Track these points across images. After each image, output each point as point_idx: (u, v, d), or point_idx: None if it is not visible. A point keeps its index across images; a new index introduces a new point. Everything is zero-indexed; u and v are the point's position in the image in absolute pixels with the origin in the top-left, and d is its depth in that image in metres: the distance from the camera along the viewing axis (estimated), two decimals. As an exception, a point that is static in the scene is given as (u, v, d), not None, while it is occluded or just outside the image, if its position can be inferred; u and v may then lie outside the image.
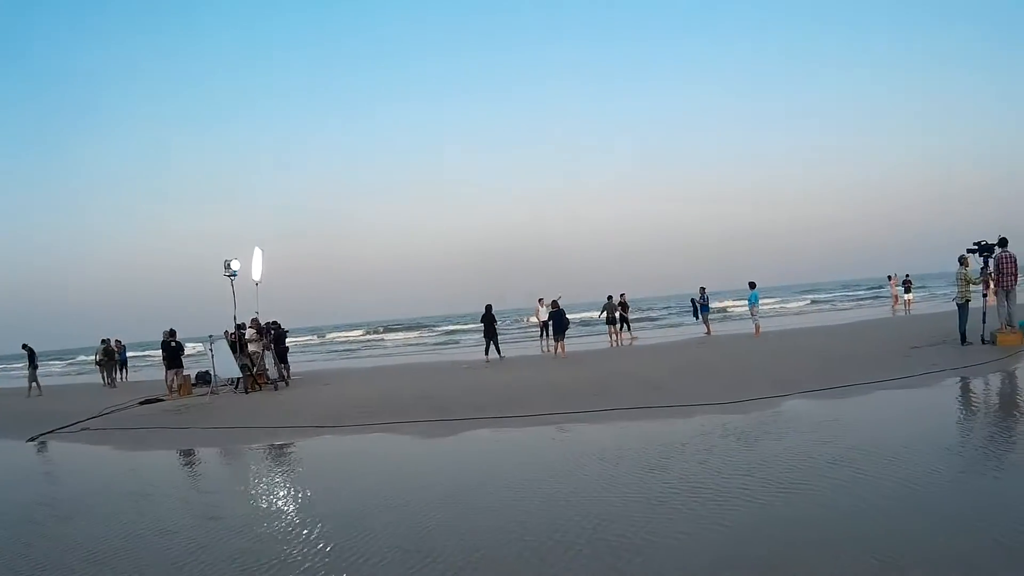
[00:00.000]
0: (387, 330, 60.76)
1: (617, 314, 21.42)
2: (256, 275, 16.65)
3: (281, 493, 6.34)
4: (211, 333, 15.77)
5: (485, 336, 19.37)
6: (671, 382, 11.19)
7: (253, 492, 6.50)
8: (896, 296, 25.26)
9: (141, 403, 13.97)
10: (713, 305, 24.69)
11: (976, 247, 11.99)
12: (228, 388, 15.37)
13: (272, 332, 15.90)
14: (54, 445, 10.33)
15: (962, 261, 12.20)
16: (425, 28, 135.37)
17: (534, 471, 6.24)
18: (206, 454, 8.93)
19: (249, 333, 15.81)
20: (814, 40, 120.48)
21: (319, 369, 21.95)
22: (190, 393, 15.31)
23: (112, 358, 21.21)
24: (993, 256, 11.80)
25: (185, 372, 16.09)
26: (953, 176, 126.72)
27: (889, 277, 26.05)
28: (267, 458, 8.31)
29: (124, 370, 21.99)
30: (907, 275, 24.93)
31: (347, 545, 4.51)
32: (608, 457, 6.48)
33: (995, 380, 9.02)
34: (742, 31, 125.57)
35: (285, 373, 16.08)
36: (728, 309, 42.46)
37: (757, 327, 19.90)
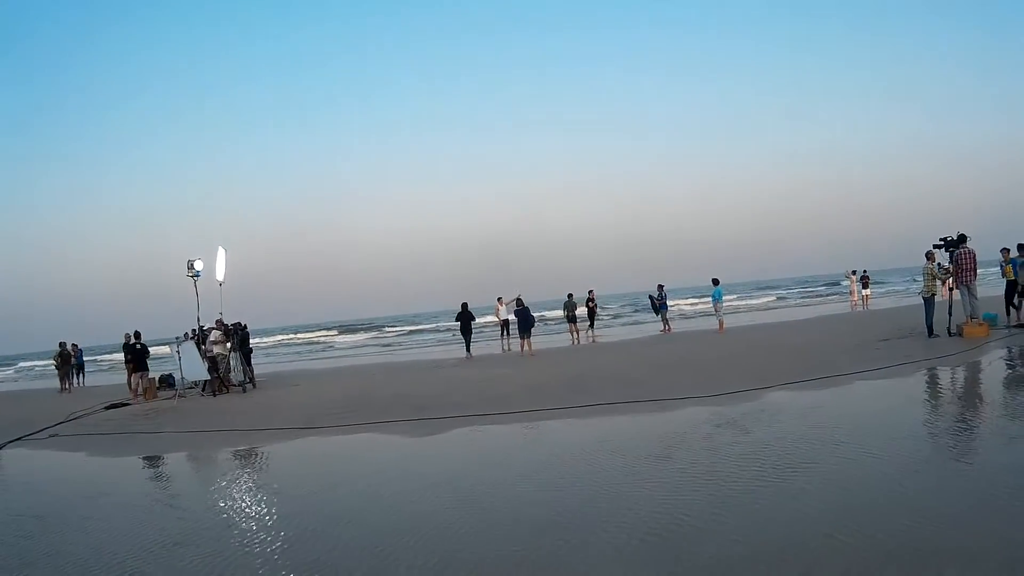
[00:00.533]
0: (343, 331, 59.72)
1: (577, 312, 21.61)
2: (220, 275, 16.23)
3: (277, 498, 6.14)
4: (176, 335, 15.27)
5: (463, 333, 19.57)
6: (648, 378, 11.32)
7: (253, 498, 6.24)
8: (854, 292, 26.05)
9: (107, 407, 13.43)
10: (670, 303, 25.00)
11: (942, 242, 12.45)
12: (194, 391, 14.90)
13: (239, 333, 15.45)
14: (24, 453, 9.77)
15: (929, 256, 12.69)
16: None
17: (545, 466, 6.20)
18: (188, 459, 8.62)
19: (214, 335, 15.36)
20: (768, 31, 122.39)
21: (281, 371, 21.45)
22: (155, 397, 14.78)
23: (67, 362, 20.31)
24: (953, 253, 12.25)
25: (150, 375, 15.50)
26: (909, 174, 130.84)
27: (849, 274, 26.79)
28: (253, 462, 8.05)
29: (81, 374, 21.08)
30: (864, 271, 25.79)
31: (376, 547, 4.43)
32: (617, 450, 6.54)
33: (969, 370, 9.41)
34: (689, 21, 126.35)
35: (251, 375, 15.66)
36: (684, 308, 43.21)
37: (721, 323, 20.21)
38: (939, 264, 12.64)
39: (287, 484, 6.61)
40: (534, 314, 19.81)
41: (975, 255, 12.24)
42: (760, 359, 12.25)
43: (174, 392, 14.98)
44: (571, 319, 21.59)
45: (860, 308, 24.56)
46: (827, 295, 45.87)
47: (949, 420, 6.55)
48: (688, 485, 5.09)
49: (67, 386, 19.79)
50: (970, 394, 8.09)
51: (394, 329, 55.31)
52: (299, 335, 59.41)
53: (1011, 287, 12.76)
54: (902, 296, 32.84)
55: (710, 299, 23.12)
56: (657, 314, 22.43)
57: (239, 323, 15.36)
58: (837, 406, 7.70)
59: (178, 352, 14.11)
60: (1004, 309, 13.04)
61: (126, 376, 16.65)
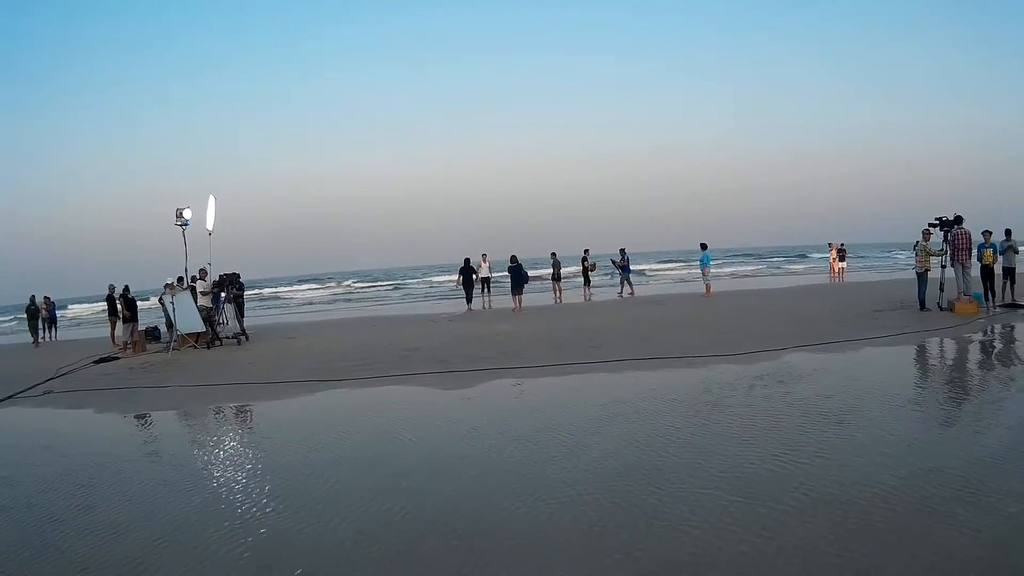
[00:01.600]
0: (299, 283, 58.38)
1: (562, 271, 21.95)
2: (210, 225, 15.63)
3: (361, 441, 6.04)
4: (164, 284, 14.64)
5: (464, 287, 19.95)
6: (660, 337, 11.53)
7: (339, 447, 5.98)
8: (834, 264, 26.70)
9: (96, 362, 12.87)
10: (633, 267, 25.15)
11: (937, 222, 12.84)
12: (178, 344, 14.39)
13: (235, 284, 14.99)
14: (23, 411, 9.10)
15: (924, 235, 13.07)
16: None
17: (612, 419, 6.19)
18: (217, 413, 8.15)
19: (201, 285, 14.85)
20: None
21: (259, 324, 20.83)
22: (144, 350, 14.25)
23: (36, 316, 19.41)
24: (951, 233, 12.62)
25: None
26: (889, 149, 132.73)
27: (829, 245, 27.35)
28: (296, 414, 7.67)
29: (54, 328, 20.16)
30: (842, 244, 26.45)
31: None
32: (673, 401, 6.70)
33: (967, 341, 9.84)
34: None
35: (243, 328, 15.25)
36: (647, 272, 43.89)
37: (708, 287, 20.56)
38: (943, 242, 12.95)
39: (358, 433, 6.40)
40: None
41: (970, 235, 12.77)
42: (762, 323, 12.53)
43: (163, 345, 14.50)
44: (556, 278, 21.71)
45: (837, 280, 25.22)
46: (803, 265, 46.94)
47: (963, 381, 7.15)
48: (761, 435, 5.25)
49: (38, 340, 18.96)
50: (977, 360, 8.56)
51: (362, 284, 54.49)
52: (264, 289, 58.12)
53: (986, 271, 12.94)
54: (875, 271, 33.97)
55: (698, 263, 23.28)
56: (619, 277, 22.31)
57: (235, 273, 14.83)
58: (859, 367, 8.06)
59: (172, 302, 13.56)
60: (987, 291, 13.12)
61: (109, 329, 16.09)
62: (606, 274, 28.53)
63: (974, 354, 8.94)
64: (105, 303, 17.02)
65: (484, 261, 20.74)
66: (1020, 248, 13.35)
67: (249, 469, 5.42)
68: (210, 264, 15.04)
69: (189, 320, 13.68)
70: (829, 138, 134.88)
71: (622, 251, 21.78)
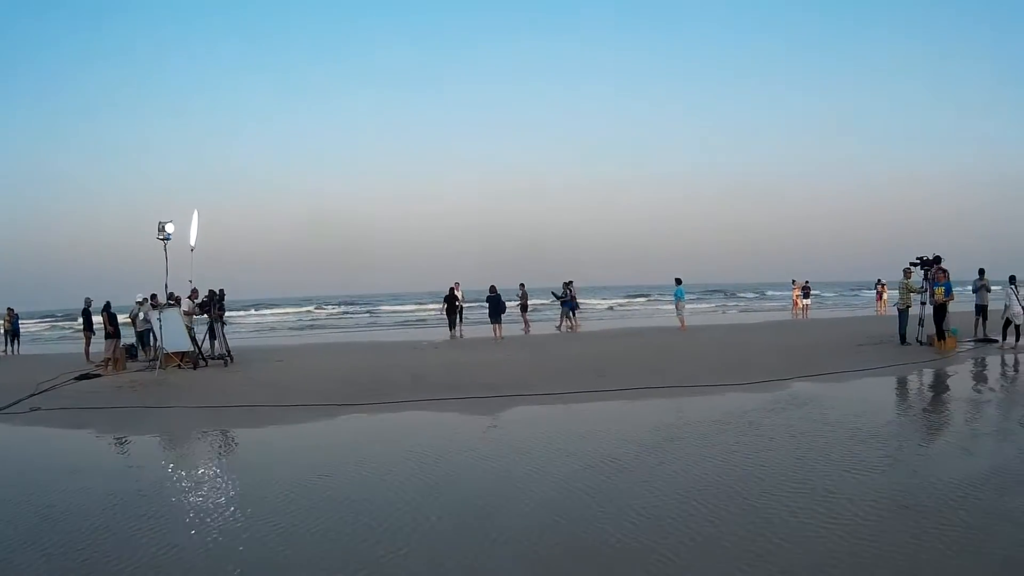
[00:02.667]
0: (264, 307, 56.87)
1: (528, 302, 21.99)
2: (192, 240, 15.19)
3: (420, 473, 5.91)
4: (158, 300, 14.12)
5: (447, 314, 20.21)
6: (660, 366, 11.85)
7: (401, 471, 5.90)
8: (797, 301, 27.79)
9: (78, 378, 12.21)
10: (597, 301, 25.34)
11: (919, 261, 13.59)
12: (163, 363, 13.81)
13: (221, 300, 14.52)
14: (17, 430, 8.50)
15: (906, 273, 13.89)
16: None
17: (662, 441, 6.45)
18: (248, 437, 7.81)
19: (186, 304, 14.38)
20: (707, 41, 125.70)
21: (244, 346, 20.23)
22: (125, 368, 13.62)
23: (-2, 330, 18.39)
24: (930, 272, 13.36)
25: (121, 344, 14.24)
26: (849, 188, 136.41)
27: (793, 282, 28.45)
28: (330, 438, 7.51)
29: (16, 341, 19.03)
30: (807, 281, 27.59)
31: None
32: (717, 420, 7.22)
33: (952, 372, 10.54)
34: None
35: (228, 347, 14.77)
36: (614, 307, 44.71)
37: (682, 321, 20.89)
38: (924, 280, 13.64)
39: (412, 460, 6.20)
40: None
41: (948, 274, 13.46)
42: (755, 356, 12.98)
43: (144, 363, 13.94)
44: (523, 308, 21.87)
45: (801, 316, 26.16)
46: (769, 302, 48.32)
47: (962, 404, 8.08)
48: (796, 454, 5.77)
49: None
50: (969, 389, 9.15)
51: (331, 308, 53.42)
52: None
53: (938, 309, 13.07)
54: (837, 308, 35.54)
55: (672, 298, 23.69)
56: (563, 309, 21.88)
57: (222, 290, 14.36)
58: (868, 396, 8.67)
59: (159, 319, 13.04)
60: (938, 331, 13.04)
61: (84, 344, 15.37)
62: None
63: (971, 382, 9.63)
64: (81, 317, 16.24)
65: (457, 289, 20.87)
66: (992, 288, 14.25)
67: (344, 500, 5.02)
68: (191, 281, 14.61)
69: (176, 338, 13.17)
70: (795, 176, 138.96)
71: (566, 284, 21.55)
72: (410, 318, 39.43)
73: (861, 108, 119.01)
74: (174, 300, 14.64)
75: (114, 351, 13.49)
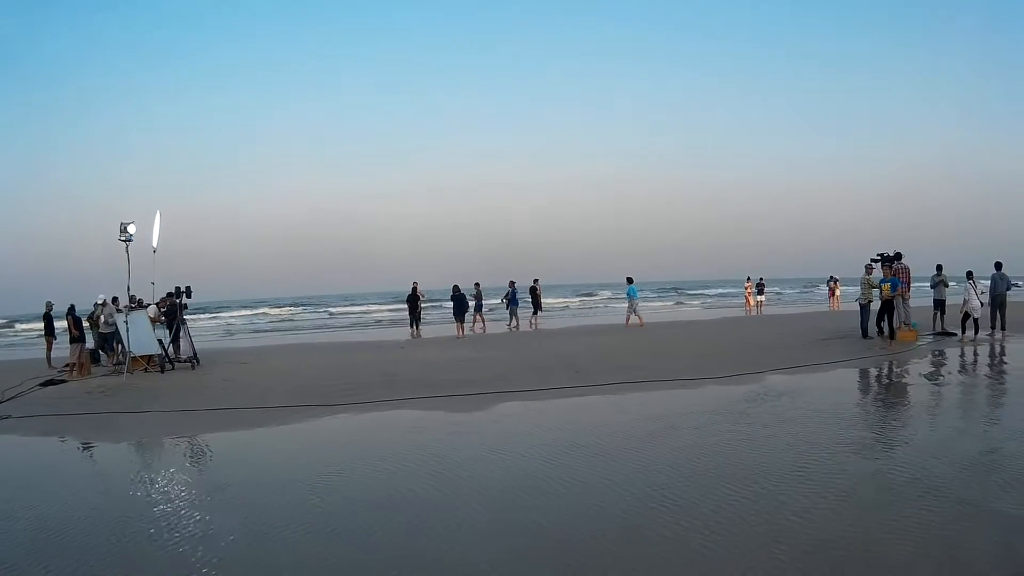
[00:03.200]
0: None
1: (483, 301, 22.39)
2: (155, 241, 14.84)
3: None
4: (125, 303, 13.71)
5: (410, 314, 20.78)
6: (632, 361, 12.22)
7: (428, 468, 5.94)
8: (749, 298, 28.82)
9: (43, 384, 11.82)
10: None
11: (880, 257, 14.30)
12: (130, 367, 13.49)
13: (185, 303, 14.25)
14: None
15: (867, 269, 14.58)
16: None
17: (661, 431, 6.75)
18: (243, 439, 7.64)
19: (152, 311, 14.06)
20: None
21: (206, 348, 19.75)
22: (90, 372, 13.25)
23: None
24: (892, 267, 14.05)
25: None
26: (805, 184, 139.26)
27: (748, 279, 29.47)
28: (327, 438, 7.52)
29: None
30: (760, 278, 28.67)
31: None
32: (711, 411, 7.61)
33: (916, 363, 11.19)
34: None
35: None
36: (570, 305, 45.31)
37: (640, 319, 21.27)
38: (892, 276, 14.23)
39: (434, 457, 6.19)
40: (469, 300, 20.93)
41: (909, 270, 14.26)
42: (724, 351, 13.42)
43: (110, 367, 13.60)
44: (478, 308, 22.12)
45: (755, 313, 27.09)
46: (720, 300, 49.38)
47: (928, 389, 8.85)
48: (793, 441, 6.09)
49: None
50: (935, 376, 9.91)
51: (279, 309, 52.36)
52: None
53: (885, 305, 13.70)
54: (791, 304, 36.94)
55: (625, 296, 24.01)
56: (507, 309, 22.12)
57: (188, 287, 14.00)
58: (842, 384, 9.45)
59: (126, 322, 12.72)
60: (886, 324, 13.65)
61: (45, 349, 14.88)
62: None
63: (939, 370, 10.39)
64: (42, 321, 15.66)
65: (417, 289, 21.14)
66: (950, 283, 15.13)
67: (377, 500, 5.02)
68: (153, 283, 14.24)
69: (144, 341, 12.87)
70: (748, 172, 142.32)
71: (512, 283, 21.72)
72: (365, 319, 39.20)
73: (818, 106, 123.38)
74: (136, 303, 14.31)
75: (79, 355, 13.08)
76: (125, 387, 11.54)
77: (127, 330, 12.68)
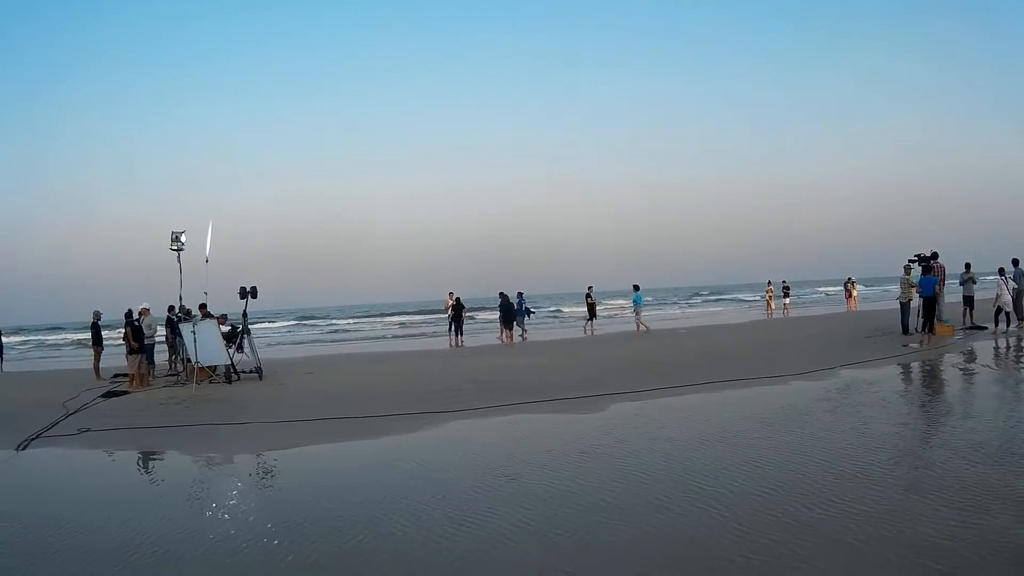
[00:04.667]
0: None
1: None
2: (207, 251, 14.54)
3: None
4: (187, 311, 13.47)
5: (454, 323, 20.36)
6: (703, 363, 12.34)
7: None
8: (771, 302, 29.02)
9: (105, 396, 11.52)
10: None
11: (916, 259, 14.61)
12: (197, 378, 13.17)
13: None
14: (95, 453, 7.92)
15: (906, 269, 14.93)
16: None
17: (784, 417, 7.20)
18: (359, 447, 7.62)
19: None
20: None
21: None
22: (150, 384, 12.93)
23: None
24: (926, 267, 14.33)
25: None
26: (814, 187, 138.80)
27: (769, 283, 29.66)
28: (490, 441, 7.48)
29: (0, 358, 17.64)
30: (784, 281, 28.86)
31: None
32: (840, 400, 8.21)
33: (960, 357, 11.69)
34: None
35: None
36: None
37: (645, 325, 21.45)
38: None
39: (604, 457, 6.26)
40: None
41: (944, 269, 14.55)
42: (783, 350, 13.73)
43: (171, 378, 13.37)
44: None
45: (780, 315, 27.22)
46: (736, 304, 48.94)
47: (990, 376, 9.64)
48: (889, 426, 6.73)
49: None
50: (985, 367, 10.56)
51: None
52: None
53: (928, 303, 13.84)
54: (808, 306, 37.24)
55: (631, 303, 23.94)
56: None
57: (254, 287, 13.51)
58: (921, 375, 10.31)
59: (193, 332, 12.42)
60: (928, 322, 13.79)
61: (93, 359, 14.55)
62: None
63: (987, 361, 11.12)
64: (90, 331, 15.28)
65: (450, 299, 20.81)
66: (979, 279, 15.54)
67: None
68: (207, 293, 13.95)
69: (212, 352, 12.58)
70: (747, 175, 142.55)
71: (520, 295, 21.13)
72: (380, 329, 38.91)
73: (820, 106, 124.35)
74: (185, 313, 14.05)
75: (139, 366, 12.75)
76: (199, 399, 11.26)
77: (194, 340, 12.37)
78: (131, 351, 12.69)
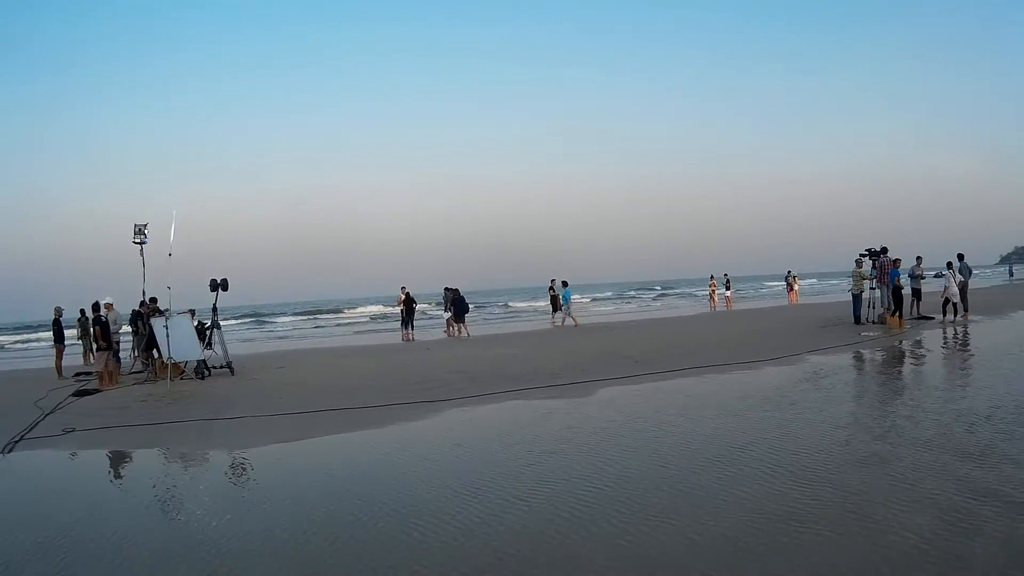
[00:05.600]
0: None
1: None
2: (170, 244, 14.10)
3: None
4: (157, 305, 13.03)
5: (407, 317, 21.74)
6: (675, 352, 12.99)
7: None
8: (714, 296, 30.32)
9: (76, 395, 11.06)
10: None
11: (867, 252, 15.79)
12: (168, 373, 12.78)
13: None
14: (91, 454, 7.59)
15: (857, 262, 16.04)
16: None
17: (768, 400, 7.63)
18: (369, 436, 7.59)
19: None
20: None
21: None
22: (119, 381, 12.48)
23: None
24: (878, 261, 15.58)
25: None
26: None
27: (711, 277, 30.92)
28: (496, 427, 7.56)
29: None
30: (726, 274, 30.17)
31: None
32: (787, 386, 8.72)
33: (914, 343, 12.87)
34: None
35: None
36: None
37: (575, 319, 22.34)
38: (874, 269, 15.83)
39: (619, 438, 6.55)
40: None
41: (893, 262, 15.72)
42: (746, 339, 14.56)
43: (141, 374, 12.97)
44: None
45: (721, 309, 28.49)
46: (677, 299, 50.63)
47: (941, 360, 10.95)
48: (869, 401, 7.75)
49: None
50: (936, 352, 11.80)
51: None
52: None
53: (898, 292, 15.37)
54: (751, 300, 38.89)
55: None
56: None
57: (224, 279, 13.21)
58: (880, 360, 11.12)
59: (165, 327, 12.05)
60: (898, 309, 15.43)
61: (55, 358, 13.91)
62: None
63: (939, 346, 12.37)
64: (51, 328, 14.51)
65: (403, 293, 21.79)
66: (927, 274, 16.93)
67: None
68: (169, 288, 13.51)
69: (185, 347, 12.25)
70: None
71: (455, 290, 21.24)
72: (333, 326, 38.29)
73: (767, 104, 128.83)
74: (148, 308, 13.63)
75: (106, 364, 12.27)
76: (179, 395, 10.95)
77: (167, 335, 12.03)
78: (98, 348, 12.19)
